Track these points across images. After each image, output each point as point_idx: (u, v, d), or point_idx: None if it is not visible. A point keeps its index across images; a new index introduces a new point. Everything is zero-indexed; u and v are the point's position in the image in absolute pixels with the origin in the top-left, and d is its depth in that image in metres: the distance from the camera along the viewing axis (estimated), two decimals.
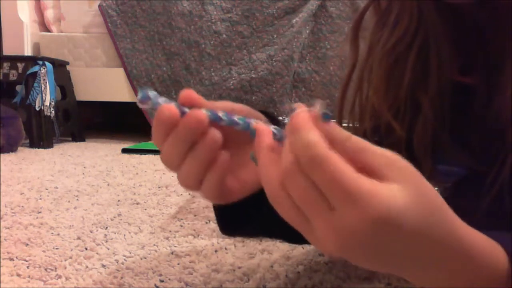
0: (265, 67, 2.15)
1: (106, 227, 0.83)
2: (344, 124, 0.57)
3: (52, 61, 2.11)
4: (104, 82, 2.31)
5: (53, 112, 2.06)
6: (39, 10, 2.45)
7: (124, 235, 0.79)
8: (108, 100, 2.34)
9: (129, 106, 2.28)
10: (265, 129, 0.33)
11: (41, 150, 1.92)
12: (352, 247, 0.28)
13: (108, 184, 1.22)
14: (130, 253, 0.70)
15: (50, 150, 1.94)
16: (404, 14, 0.51)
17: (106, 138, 2.39)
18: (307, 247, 0.72)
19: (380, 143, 0.29)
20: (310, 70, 2.18)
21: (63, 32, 2.40)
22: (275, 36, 2.18)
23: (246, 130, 0.36)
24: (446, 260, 0.30)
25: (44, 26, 2.46)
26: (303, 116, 0.29)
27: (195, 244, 0.75)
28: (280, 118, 0.45)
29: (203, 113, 0.35)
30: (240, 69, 2.18)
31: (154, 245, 0.74)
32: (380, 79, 0.54)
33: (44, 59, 2.08)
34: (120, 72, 2.29)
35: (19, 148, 1.88)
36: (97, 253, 0.70)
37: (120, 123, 2.91)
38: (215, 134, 0.36)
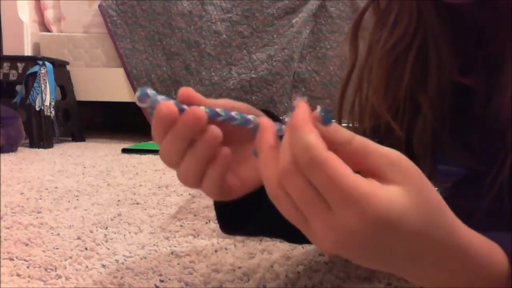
0: (265, 67, 2.15)
1: (106, 227, 0.83)
2: (343, 124, 0.57)
3: (52, 61, 2.11)
4: (104, 82, 2.31)
5: (53, 112, 2.06)
6: (39, 10, 2.45)
7: (124, 235, 0.79)
8: (108, 100, 2.34)
9: (129, 106, 2.28)
10: (268, 124, 0.33)
11: (41, 150, 1.92)
12: (352, 247, 0.28)
13: (108, 184, 1.22)
14: (130, 253, 0.70)
15: (50, 150, 1.94)
16: (403, 14, 0.52)
17: (106, 138, 2.39)
18: (307, 247, 0.72)
19: (380, 143, 0.29)
20: (310, 70, 2.18)
21: (63, 32, 2.40)
22: (275, 36, 2.18)
23: (244, 125, 0.36)
24: (445, 260, 0.30)
25: (44, 26, 2.46)
26: (303, 116, 0.29)
27: (195, 244, 0.75)
28: (281, 118, 0.45)
29: (201, 110, 0.35)
30: (240, 69, 2.18)
31: (154, 245, 0.74)
32: (380, 79, 0.54)
33: (44, 59, 2.08)
34: (120, 72, 2.29)
35: (19, 148, 1.87)
36: (97, 253, 0.70)
37: (120, 123, 2.91)
38: (215, 131, 0.36)
